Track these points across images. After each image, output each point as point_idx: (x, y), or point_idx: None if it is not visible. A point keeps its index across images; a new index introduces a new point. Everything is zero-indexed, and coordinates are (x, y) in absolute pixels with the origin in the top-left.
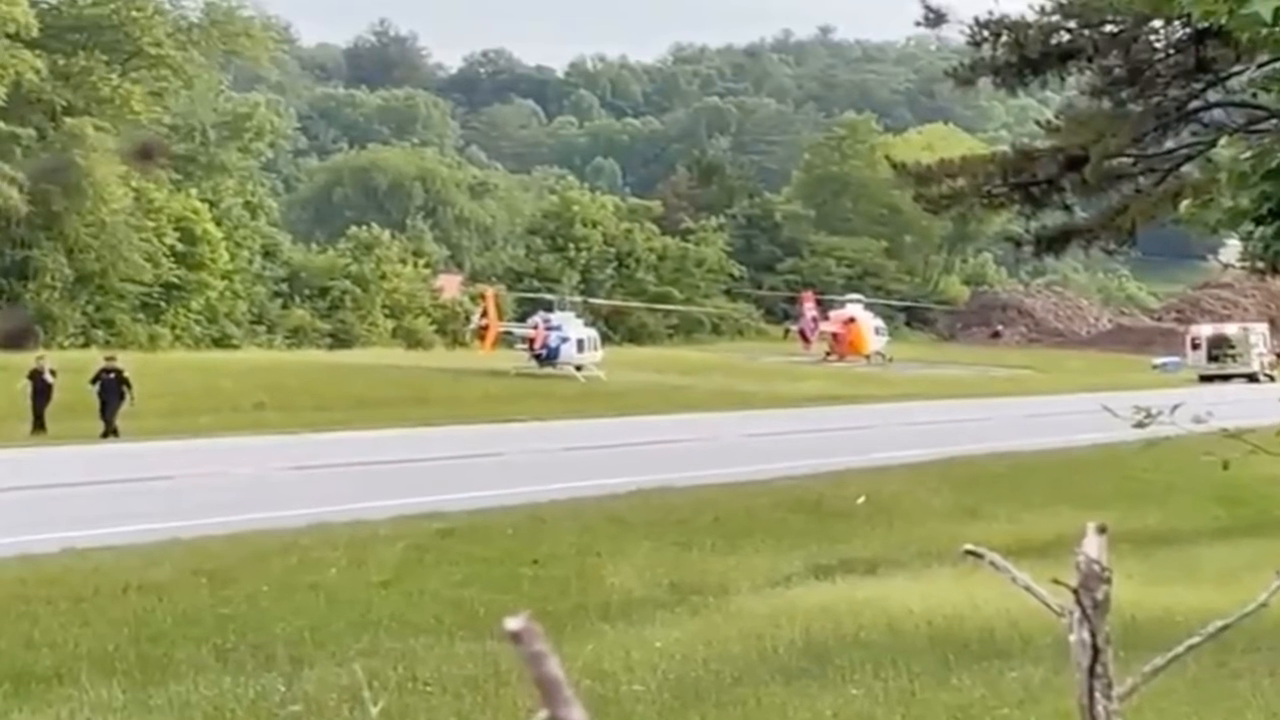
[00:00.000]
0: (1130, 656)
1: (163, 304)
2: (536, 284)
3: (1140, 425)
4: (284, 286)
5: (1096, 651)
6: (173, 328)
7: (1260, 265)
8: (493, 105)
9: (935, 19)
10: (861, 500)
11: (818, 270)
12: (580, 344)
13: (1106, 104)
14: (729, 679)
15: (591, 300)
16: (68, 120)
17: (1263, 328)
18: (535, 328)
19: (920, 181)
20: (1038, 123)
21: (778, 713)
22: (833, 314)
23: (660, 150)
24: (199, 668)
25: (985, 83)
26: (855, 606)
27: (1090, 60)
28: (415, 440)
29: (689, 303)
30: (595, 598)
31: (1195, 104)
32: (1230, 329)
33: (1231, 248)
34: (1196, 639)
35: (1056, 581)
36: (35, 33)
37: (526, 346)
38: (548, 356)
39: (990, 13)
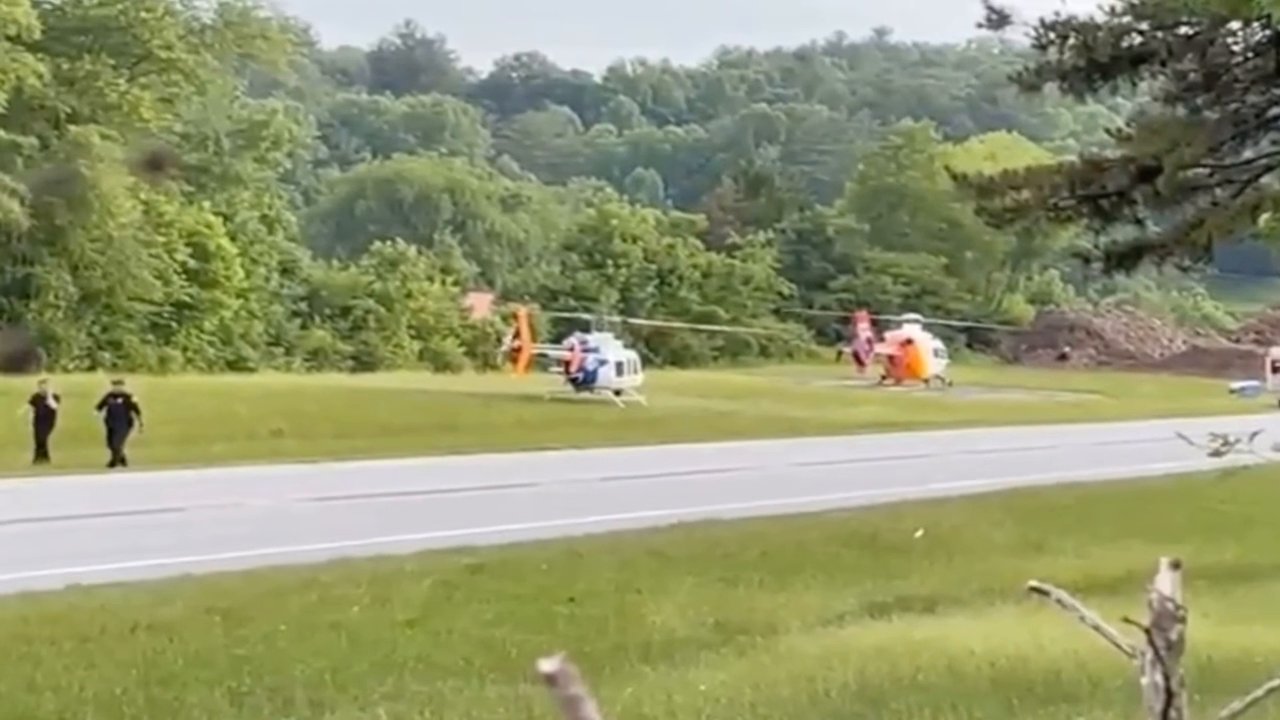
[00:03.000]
0: (1206, 700)
1: (174, 324)
2: (573, 303)
3: (1217, 454)
4: (303, 306)
5: (1170, 695)
6: (184, 350)
7: None
8: (526, 112)
9: (998, 20)
10: (919, 533)
11: (873, 288)
12: (619, 367)
13: (1181, 111)
14: None
15: (631, 320)
16: (72, 128)
17: None
18: (571, 350)
19: (982, 193)
20: (1107, 131)
21: None
22: (889, 335)
23: (705, 160)
24: (212, 712)
25: (1051, 88)
26: (913, 647)
27: (1164, 64)
28: (443, 470)
29: (735, 323)
30: (635, 638)
31: (1275, 111)
32: None
33: None
34: (1277, 681)
35: (1127, 620)
36: (38, 35)
37: (562, 370)
38: (584, 380)
39: (1057, 14)
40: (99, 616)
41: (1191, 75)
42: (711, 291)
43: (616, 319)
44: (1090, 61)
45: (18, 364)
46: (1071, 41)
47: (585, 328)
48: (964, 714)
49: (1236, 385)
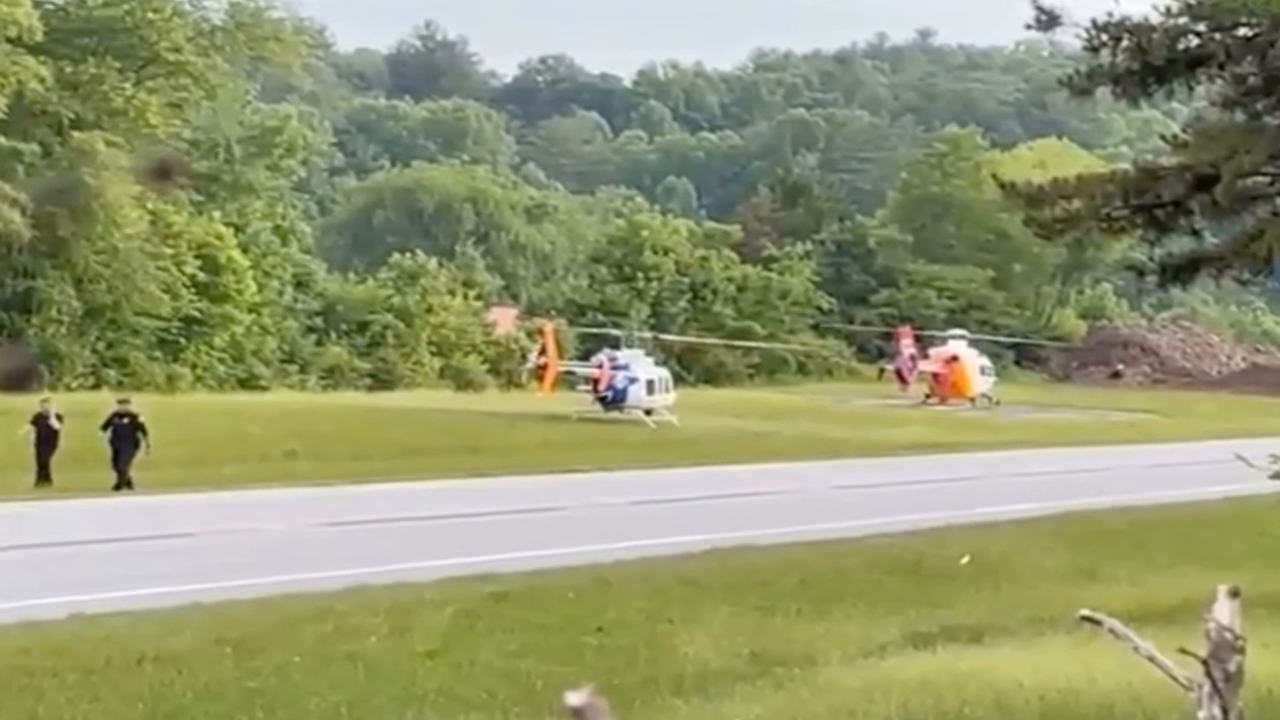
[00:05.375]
0: None
1: (182, 340)
2: (601, 318)
3: (1278, 476)
4: (318, 321)
5: None
6: (194, 367)
7: None
8: (552, 118)
9: (1048, 21)
10: (965, 560)
11: (916, 303)
12: (650, 385)
13: (1240, 116)
14: None
15: (663, 336)
16: (76, 135)
17: None
18: (600, 367)
19: (1031, 203)
20: (1163, 137)
21: None
22: (933, 352)
23: (740, 168)
24: None
25: (1104, 93)
26: (958, 679)
27: (1221, 68)
28: (465, 493)
29: (772, 339)
30: (667, 669)
31: None
32: None
33: None
34: None
35: (1184, 651)
36: (40, 37)
37: (590, 388)
38: (614, 399)
39: (1110, 14)
40: (104, 647)
41: (1251, 79)
42: (747, 306)
43: (647, 335)
44: (1145, 64)
45: (19, 382)
46: (1125, 43)
47: (615, 344)
48: None
49: None
